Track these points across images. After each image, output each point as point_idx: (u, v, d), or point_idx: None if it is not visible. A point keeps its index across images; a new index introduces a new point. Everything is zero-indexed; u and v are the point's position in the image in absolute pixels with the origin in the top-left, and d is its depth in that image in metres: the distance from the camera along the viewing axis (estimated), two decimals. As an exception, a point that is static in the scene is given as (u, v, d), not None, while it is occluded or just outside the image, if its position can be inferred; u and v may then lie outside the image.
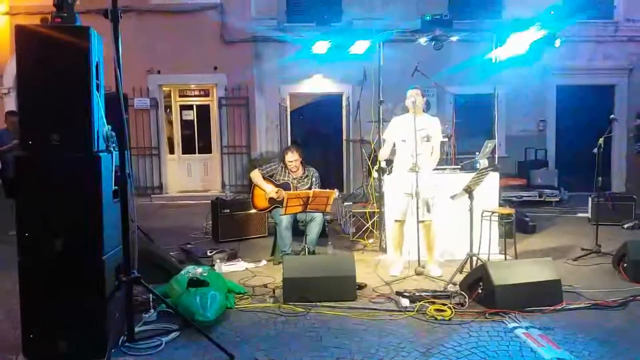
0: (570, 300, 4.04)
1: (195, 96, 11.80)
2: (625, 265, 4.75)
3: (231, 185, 10.99)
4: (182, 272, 4.19)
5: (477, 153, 5.70)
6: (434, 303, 3.91)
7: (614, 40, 11.27)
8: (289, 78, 10.97)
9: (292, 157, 5.64)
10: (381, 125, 5.99)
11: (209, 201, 7.18)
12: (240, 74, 10.77)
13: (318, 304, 4.04)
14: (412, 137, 4.83)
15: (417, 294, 4.07)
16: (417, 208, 4.85)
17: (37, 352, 3.07)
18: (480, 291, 4.01)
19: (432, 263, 5.06)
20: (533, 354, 3.19)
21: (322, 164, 9.74)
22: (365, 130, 8.63)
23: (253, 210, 6.28)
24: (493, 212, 5.21)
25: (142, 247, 4.10)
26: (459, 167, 5.96)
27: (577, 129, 10.42)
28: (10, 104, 10.22)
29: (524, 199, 9.53)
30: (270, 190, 5.56)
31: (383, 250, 5.93)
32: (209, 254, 5.73)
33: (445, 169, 5.80)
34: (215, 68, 10.92)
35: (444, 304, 3.87)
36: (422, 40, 6.38)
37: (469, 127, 7.93)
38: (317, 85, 11.12)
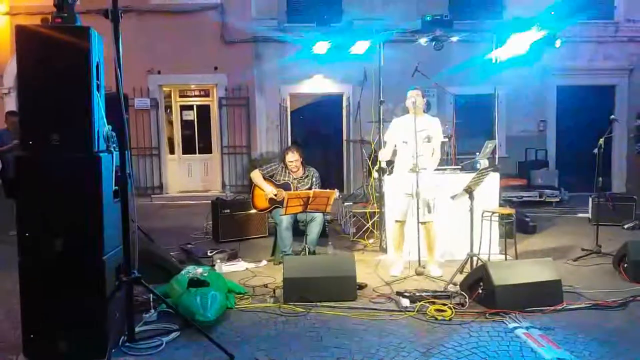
0: (570, 301, 4.04)
1: (195, 96, 11.80)
2: (625, 265, 4.75)
3: (231, 186, 10.99)
4: (183, 272, 4.19)
5: (478, 153, 5.70)
6: (434, 303, 3.91)
7: (614, 41, 11.27)
8: (289, 78, 10.98)
9: (293, 158, 5.64)
10: (381, 126, 5.99)
11: (209, 201, 7.18)
12: (241, 74, 10.78)
13: (318, 304, 4.04)
14: (412, 138, 4.83)
15: (417, 294, 4.07)
16: (418, 208, 4.85)
17: (37, 352, 3.07)
18: (480, 291, 4.01)
19: (432, 263, 5.05)
20: (533, 354, 3.19)
21: (322, 164, 9.75)
22: (365, 131, 8.62)
23: (253, 211, 6.28)
24: (493, 213, 5.21)
25: (142, 247, 4.11)
26: (460, 167, 5.96)
27: (578, 130, 10.43)
28: (11, 104, 10.23)
29: (524, 199, 9.52)
30: (269, 190, 5.56)
31: (383, 250, 5.93)
32: (209, 254, 5.73)
33: (445, 169, 5.80)
34: (216, 68, 10.92)
35: (445, 304, 3.87)
36: (423, 40, 6.38)
37: (469, 127, 7.94)
38: (318, 85, 11.12)
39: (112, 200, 3.17)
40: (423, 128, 4.96)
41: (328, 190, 5.17)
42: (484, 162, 5.51)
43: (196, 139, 11.71)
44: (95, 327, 3.05)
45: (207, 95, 11.68)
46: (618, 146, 11.38)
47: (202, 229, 7.27)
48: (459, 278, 4.52)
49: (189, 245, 6.30)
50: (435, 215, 5.01)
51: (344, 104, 11.39)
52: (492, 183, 5.52)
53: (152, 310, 3.79)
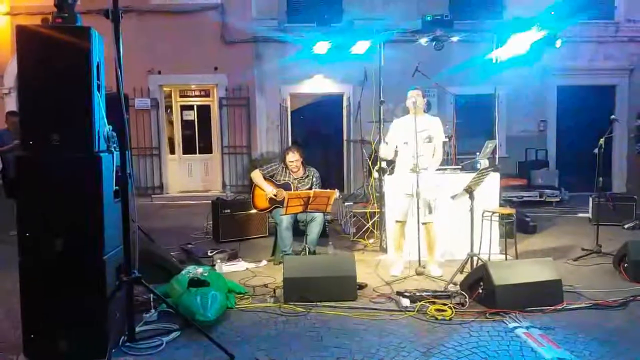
0: (570, 300, 4.04)
1: (195, 96, 11.80)
2: (625, 265, 4.75)
3: (232, 186, 11.00)
4: (183, 272, 4.19)
5: (478, 153, 5.71)
6: (434, 303, 3.91)
7: (614, 41, 11.26)
8: (289, 78, 10.98)
9: (293, 158, 5.64)
10: (382, 126, 5.99)
11: (210, 201, 7.18)
12: (241, 74, 10.78)
13: (318, 303, 4.04)
14: (413, 138, 4.83)
15: (417, 294, 4.07)
16: (418, 208, 4.85)
17: (37, 352, 3.07)
18: (480, 291, 4.01)
19: (432, 263, 5.06)
20: (534, 353, 3.19)
21: (322, 164, 9.76)
22: (365, 131, 8.63)
23: (253, 211, 6.28)
24: (494, 212, 5.21)
25: (142, 247, 4.12)
26: (460, 167, 5.97)
27: (578, 130, 10.43)
28: (11, 104, 10.24)
29: (525, 199, 9.52)
30: (270, 190, 5.56)
31: (383, 250, 5.93)
32: (209, 254, 5.73)
33: (445, 169, 5.80)
34: (216, 68, 10.92)
35: (445, 304, 3.87)
36: (423, 40, 6.38)
37: (470, 127, 7.94)
38: (318, 85, 11.12)
39: (112, 200, 3.17)
40: (424, 128, 4.96)
41: (328, 190, 5.17)
42: (484, 162, 5.51)
43: (196, 139, 11.71)
44: (95, 327, 3.05)
45: (207, 95, 11.68)
46: (618, 146, 11.38)
47: (203, 229, 7.27)
48: (459, 278, 4.52)
49: (189, 245, 6.30)
50: (436, 215, 5.01)
51: (345, 104, 11.39)
52: (492, 183, 5.52)
53: (153, 310, 3.80)
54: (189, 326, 3.47)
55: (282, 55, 10.68)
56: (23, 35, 2.99)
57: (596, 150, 5.58)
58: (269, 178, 5.69)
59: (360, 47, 6.51)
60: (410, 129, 4.87)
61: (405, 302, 3.98)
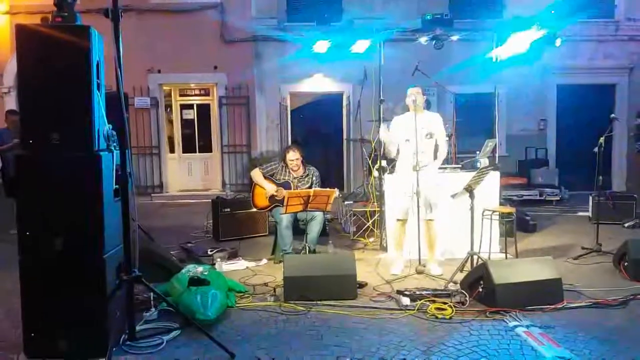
0: (570, 299, 4.04)
1: (195, 95, 11.80)
2: (625, 264, 4.75)
3: (232, 184, 11.00)
4: (183, 270, 4.19)
5: (478, 152, 5.71)
6: (434, 302, 3.91)
7: (614, 40, 11.26)
8: (289, 77, 10.97)
9: (293, 156, 5.64)
10: (381, 125, 5.97)
11: (210, 200, 7.18)
12: (241, 73, 10.77)
13: (319, 302, 4.04)
14: (414, 135, 4.83)
15: (417, 292, 4.08)
16: (418, 207, 4.85)
17: (38, 351, 3.07)
18: (481, 290, 4.01)
19: (432, 262, 5.06)
20: (534, 352, 3.19)
21: (322, 163, 9.75)
22: (365, 130, 8.63)
23: (254, 209, 6.27)
24: (494, 211, 5.21)
25: (142, 246, 4.11)
26: (460, 166, 5.97)
27: (578, 128, 10.43)
28: (11, 103, 10.24)
29: (525, 197, 9.54)
30: (270, 189, 5.56)
31: (384, 249, 5.93)
32: (209, 252, 5.73)
33: (446, 168, 5.80)
34: (216, 67, 10.92)
35: (445, 303, 3.88)
36: (423, 39, 6.38)
37: (470, 126, 7.93)
38: (318, 84, 11.12)
39: (112, 199, 3.17)
40: (424, 126, 4.96)
41: (328, 189, 5.17)
42: (484, 161, 5.51)
43: (196, 137, 11.71)
44: (95, 326, 3.05)
45: (207, 94, 11.68)
46: (618, 145, 11.38)
47: (203, 227, 7.28)
48: (460, 276, 4.52)
49: (189, 244, 6.30)
50: (436, 214, 5.02)
51: (344, 102, 11.38)
52: (492, 182, 5.52)
53: (153, 309, 3.80)
54: (189, 325, 3.47)
55: (281, 54, 10.67)
56: (23, 35, 2.99)
57: (596, 149, 5.58)
58: (269, 177, 5.69)
59: (360, 46, 6.51)
60: (410, 127, 4.87)
61: (406, 300, 3.98)
